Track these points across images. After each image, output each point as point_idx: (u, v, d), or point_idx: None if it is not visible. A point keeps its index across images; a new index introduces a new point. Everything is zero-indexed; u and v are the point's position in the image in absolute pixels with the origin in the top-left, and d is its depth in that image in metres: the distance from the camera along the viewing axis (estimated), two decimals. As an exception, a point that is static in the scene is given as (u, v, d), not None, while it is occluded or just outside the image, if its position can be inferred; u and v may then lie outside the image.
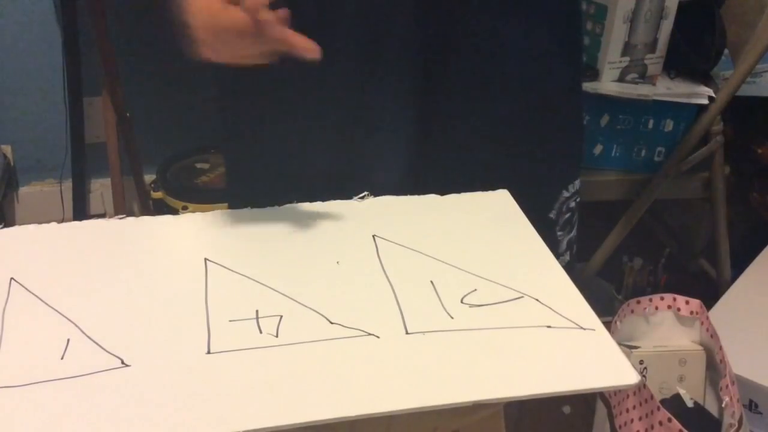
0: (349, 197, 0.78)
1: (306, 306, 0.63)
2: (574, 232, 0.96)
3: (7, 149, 2.02)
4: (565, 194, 0.92)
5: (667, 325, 1.28)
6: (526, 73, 0.84)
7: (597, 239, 1.65)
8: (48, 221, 0.73)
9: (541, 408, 1.50)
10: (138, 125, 1.89)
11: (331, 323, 0.62)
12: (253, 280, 0.66)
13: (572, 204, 0.94)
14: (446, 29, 0.80)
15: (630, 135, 1.55)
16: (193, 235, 0.73)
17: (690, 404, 1.21)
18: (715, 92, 1.49)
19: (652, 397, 1.09)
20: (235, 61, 0.65)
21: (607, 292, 1.78)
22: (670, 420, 1.05)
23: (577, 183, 0.94)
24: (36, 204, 2.09)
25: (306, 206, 0.77)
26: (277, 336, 0.60)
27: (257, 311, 0.62)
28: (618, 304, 1.55)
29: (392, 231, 0.73)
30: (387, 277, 0.67)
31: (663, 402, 1.18)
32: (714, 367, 1.22)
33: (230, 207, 0.81)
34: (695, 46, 1.50)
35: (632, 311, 1.29)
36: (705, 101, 1.49)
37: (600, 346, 0.60)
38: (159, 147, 2.03)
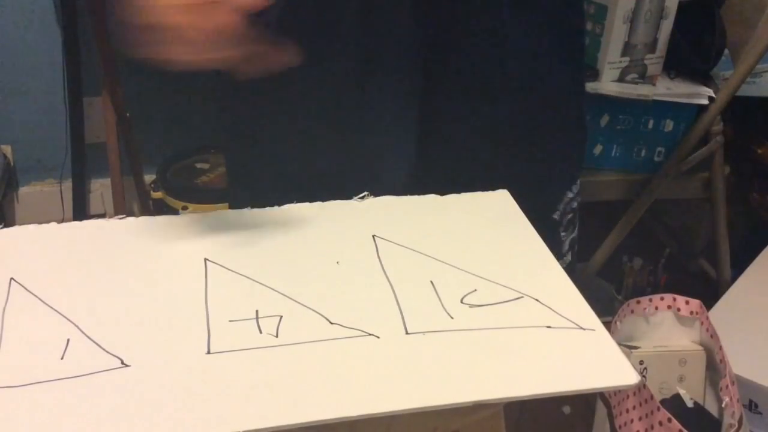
0: (349, 197, 0.78)
1: (306, 306, 0.63)
2: (575, 233, 0.96)
3: (7, 149, 2.02)
4: (569, 195, 0.92)
5: (667, 326, 1.28)
6: (527, 73, 0.84)
7: (597, 239, 1.65)
8: (48, 221, 0.73)
9: (541, 408, 1.49)
10: (138, 125, 1.89)
11: (331, 323, 0.61)
12: (253, 280, 0.66)
13: (574, 204, 0.94)
14: (446, 29, 0.80)
15: (630, 135, 1.55)
16: (193, 235, 0.73)
17: (690, 404, 1.21)
18: (715, 92, 1.49)
19: (652, 397, 1.09)
20: (199, 65, 0.61)
21: (607, 292, 1.78)
22: (670, 420, 1.05)
23: (578, 183, 0.94)
24: (36, 204, 2.09)
25: (306, 206, 0.77)
26: (277, 336, 0.60)
27: (257, 311, 0.62)
28: (618, 305, 1.55)
29: (392, 231, 0.73)
30: (387, 277, 0.67)
31: (663, 402, 1.18)
32: (714, 367, 1.22)
33: (231, 207, 0.81)
34: (695, 46, 1.50)
35: (632, 311, 1.29)
36: (705, 101, 1.49)
37: (600, 347, 0.60)
38: (159, 147, 2.03)
